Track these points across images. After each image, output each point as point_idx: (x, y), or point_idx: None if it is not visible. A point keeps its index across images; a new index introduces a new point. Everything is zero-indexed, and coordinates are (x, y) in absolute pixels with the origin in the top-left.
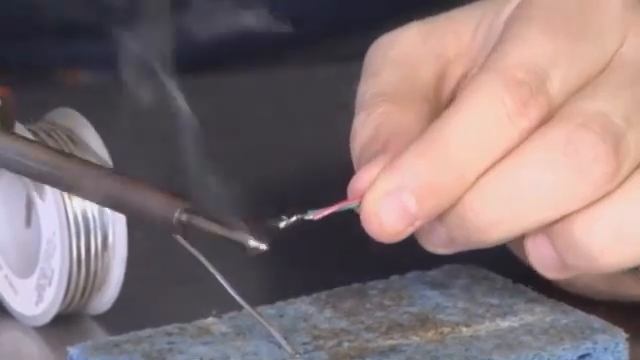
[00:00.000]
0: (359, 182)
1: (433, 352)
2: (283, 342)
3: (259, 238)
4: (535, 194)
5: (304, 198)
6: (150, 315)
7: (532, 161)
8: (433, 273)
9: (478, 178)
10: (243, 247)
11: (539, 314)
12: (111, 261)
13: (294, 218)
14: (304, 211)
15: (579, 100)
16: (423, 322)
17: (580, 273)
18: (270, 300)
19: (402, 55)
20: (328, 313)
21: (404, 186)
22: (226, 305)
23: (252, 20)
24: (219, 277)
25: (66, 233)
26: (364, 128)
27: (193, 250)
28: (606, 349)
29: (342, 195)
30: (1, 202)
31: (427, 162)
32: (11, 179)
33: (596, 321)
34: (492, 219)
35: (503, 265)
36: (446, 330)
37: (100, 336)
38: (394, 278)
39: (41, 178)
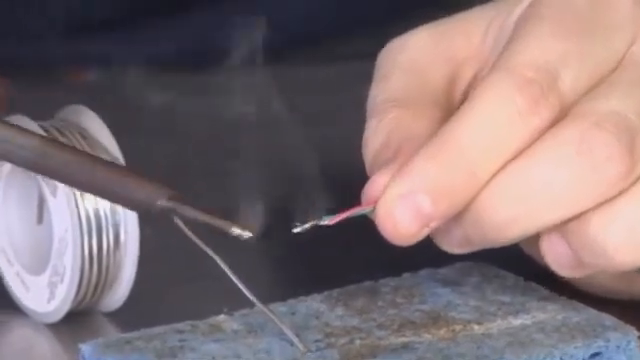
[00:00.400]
0: (373, 187)
1: (445, 350)
2: (295, 339)
3: (243, 227)
4: (549, 192)
5: (309, 197)
6: (162, 312)
7: (546, 159)
8: (445, 271)
9: (493, 177)
10: (225, 234)
11: (551, 312)
12: (123, 258)
13: (309, 224)
14: (319, 217)
15: (592, 99)
16: (435, 320)
17: (595, 271)
18: (282, 298)
19: (412, 59)
20: (340, 311)
21: (417, 188)
22: (238, 302)
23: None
24: (231, 275)
25: (78, 230)
26: (376, 135)
27: (206, 248)
28: (618, 347)
29: (345, 192)
30: (13, 199)
31: (439, 163)
32: (24, 177)
33: (608, 319)
34: (507, 217)
35: (515, 263)
36: (458, 328)
37: (112, 333)
38: (406, 276)
39: (26, 164)
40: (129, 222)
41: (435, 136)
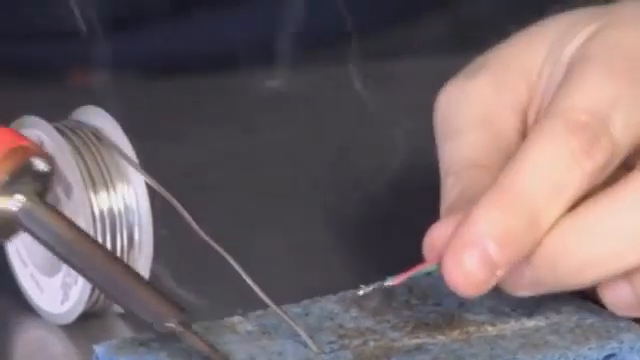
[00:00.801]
0: (432, 236)
1: (458, 351)
2: (309, 341)
3: None
4: (630, 235)
5: (315, 198)
6: None
7: (630, 202)
8: None
9: (571, 219)
10: None
11: (565, 313)
12: (137, 259)
13: (372, 286)
14: (383, 278)
15: None
16: (449, 321)
17: None
18: (296, 299)
19: (481, 114)
20: (354, 312)
21: (483, 235)
22: (252, 304)
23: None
24: (245, 276)
25: (92, 231)
26: (452, 191)
27: (220, 249)
28: (632, 348)
29: (347, 196)
30: None
31: (501, 209)
32: None
33: (621, 321)
34: (584, 261)
35: None
36: (472, 329)
37: (126, 334)
38: (420, 277)
39: (49, 248)
40: (143, 223)
41: (495, 184)
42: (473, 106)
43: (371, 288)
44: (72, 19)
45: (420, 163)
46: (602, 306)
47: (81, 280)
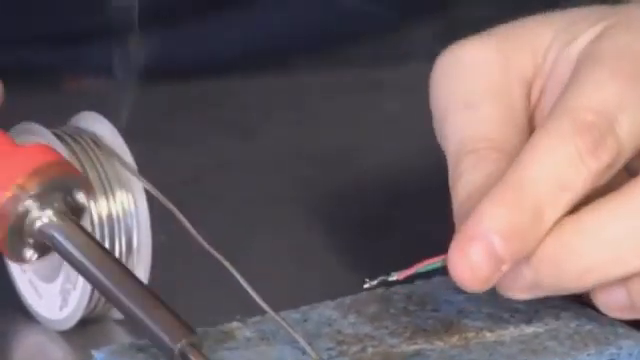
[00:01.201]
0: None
1: (457, 357)
2: (307, 347)
3: None
4: (637, 239)
5: (313, 202)
6: None
7: (635, 206)
8: None
9: (578, 221)
10: None
11: (564, 320)
12: (135, 265)
13: (377, 280)
14: (387, 273)
15: None
16: (447, 327)
17: None
18: (294, 304)
19: (492, 84)
20: (352, 318)
21: (488, 229)
22: (250, 310)
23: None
24: (243, 282)
25: None
26: (473, 174)
27: (218, 255)
28: (630, 355)
29: (346, 200)
30: None
31: (506, 205)
32: None
33: (620, 327)
34: (590, 264)
35: None
36: (470, 335)
37: (124, 340)
38: (419, 283)
39: (80, 272)
40: (142, 228)
41: (501, 180)
42: (485, 76)
43: (376, 282)
44: (73, 24)
45: (419, 165)
46: (596, 309)
47: (80, 286)
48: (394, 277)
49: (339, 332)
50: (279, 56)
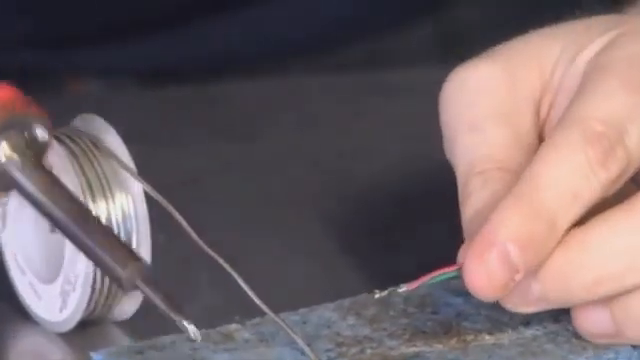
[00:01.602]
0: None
1: None
2: (306, 349)
3: (190, 321)
4: None
5: (315, 206)
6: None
7: None
8: (457, 281)
9: (587, 234)
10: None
11: (562, 322)
12: None
13: (387, 290)
14: (397, 284)
15: None
16: (446, 330)
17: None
18: (294, 307)
19: (499, 107)
20: (351, 320)
21: (504, 238)
22: (250, 311)
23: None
24: (242, 283)
25: None
26: (482, 192)
27: (217, 257)
28: (628, 358)
29: (347, 204)
30: (26, 208)
31: (520, 214)
32: None
33: None
34: (599, 276)
35: None
36: (469, 338)
37: (123, 342)
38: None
39: (36, 207)
40: (141, 230)
41: (513, 190)
42: (490, 98)
43: (385, 293)
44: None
45: (420, 167)
46: None
47: (79, 287)
48: (404, 288)
49: (338, 334)
50: (279, 58)
